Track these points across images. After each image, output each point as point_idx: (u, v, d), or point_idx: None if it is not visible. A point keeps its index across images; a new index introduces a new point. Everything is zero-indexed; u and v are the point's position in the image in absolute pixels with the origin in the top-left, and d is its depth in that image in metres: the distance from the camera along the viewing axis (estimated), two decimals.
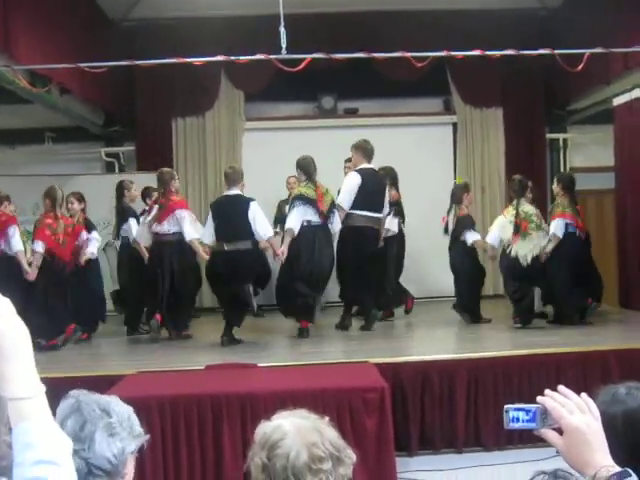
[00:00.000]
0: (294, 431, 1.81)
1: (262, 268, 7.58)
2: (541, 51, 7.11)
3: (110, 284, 9.19)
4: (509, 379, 6.06)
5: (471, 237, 8.18)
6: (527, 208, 7.80)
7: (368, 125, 10.85)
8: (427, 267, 9.86)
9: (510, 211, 7.87)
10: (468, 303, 8.24)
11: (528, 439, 5.99)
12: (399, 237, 8.73)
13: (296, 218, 7.57)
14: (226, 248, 7.32)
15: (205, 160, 11.06)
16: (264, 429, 1.82)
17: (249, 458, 1.79)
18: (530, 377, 6.06)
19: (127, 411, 2.04)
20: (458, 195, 8.52)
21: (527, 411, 1.51)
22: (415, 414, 5.94)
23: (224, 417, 5.13)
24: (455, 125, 11.27)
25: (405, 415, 5.87)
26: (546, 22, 10.59)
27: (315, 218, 7.61)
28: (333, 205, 7.75)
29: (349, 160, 8.59)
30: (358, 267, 7.78)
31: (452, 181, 10.93)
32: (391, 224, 8.44)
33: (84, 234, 8.12)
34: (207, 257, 7.56)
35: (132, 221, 8.43)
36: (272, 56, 6.77)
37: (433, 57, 7.05)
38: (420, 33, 9.80)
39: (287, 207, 8.09)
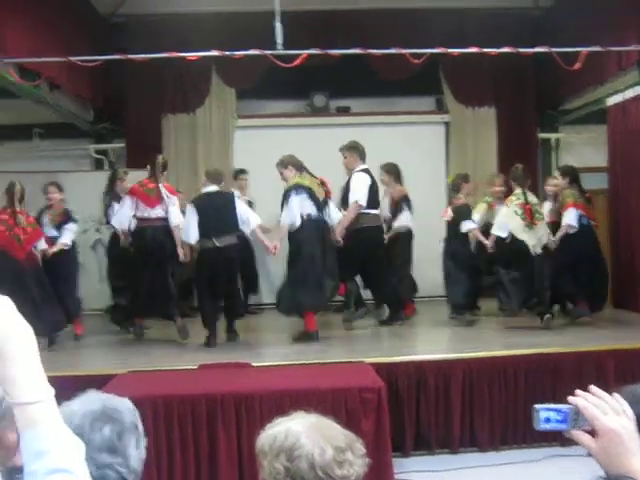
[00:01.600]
0: (307, 430, 1.75)
1: (249, 262, 7.59)
2: (538, 49, 7.08)
3: (98, 283, 9.09)
4: (505, 379, 6.04)
5: (466, 226, 8.12)
6: (531, 197, 7.74)
7: (360, 123, 10.80)
8: (420, 266, 9.79)
9: (514, 200, 7.69)
10: (461, 295, 8.19)
11: (522, 439, 6.00)
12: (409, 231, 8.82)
13: (293, 211, 7.31)
14: (218, 244, 7.21)
15: (196, 157, 10.96)
16: (273, 435, 1.75)
17: (264, 468, 1.71)
18: (526, 377, 6.05)
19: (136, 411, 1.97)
20: (457, 183, 8.55)
21: (558, 411, 1.44)
22: (410, 414, 5.91)
23: (219, 417, 5.05)
24: (447, 124, 11.23)
25: (400, 415, 5.83)
26: (539, 22, 10.58)
27: (314, 211, 7.41)
28: (328, 197, 7.72)
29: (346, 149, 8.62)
30: (376, 265, 7.97)
31: (444, 180, 10.95)
32: (406, 219, 8.66)
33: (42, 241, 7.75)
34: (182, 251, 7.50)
35: (117, 206, 8.28)
36: (268, 51, 6.70)
37: (429, 54, 6.99)
38: (414, 31, 9.74)
39: None
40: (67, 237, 8.01)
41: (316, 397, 5.10)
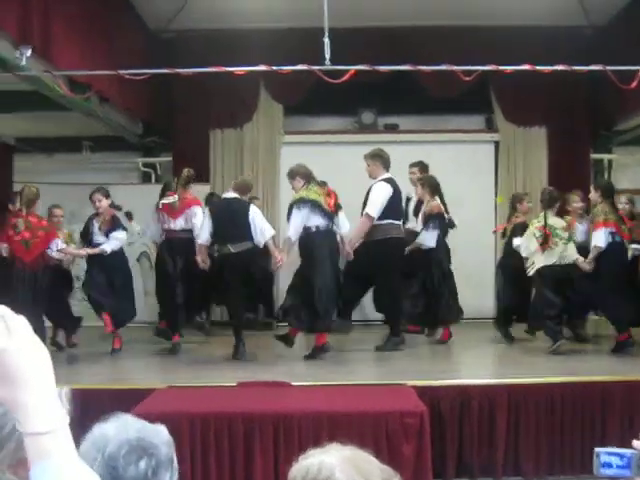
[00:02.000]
0: (342, 463, 1.64)
1: (263, 271, 7.72)
2: (593, 67, 6.88)
3: (141, 296, 9.10)
4: (551, 407, 5.81)
5: (515, 242, 7.98)
6: (552, 220, 7.60)
7: (408, 141, 10.69)
8: (467, 286, 9.61)
9: (534, 223, 7.69)
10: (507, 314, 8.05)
11: (570, 470, 5.77)
12: (444, 250, 8.37)
13: (296, 225, 7.30)
14: (232, 250, 7.30)
15: (242, 173, 10.93)
16: (306, 468, 1.63)
17: None
18: (574, 406, 5.82)
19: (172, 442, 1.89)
20: (513, 203, 8.61)
21: (621, 456, 1.31)
22: (452, 440, 5.72)
23: (256, 437, 4.95)
24: (497, 144, 11.05)
25: (442, 441, 5.65)
26: (593, 40, 10.35)
27: (322, 221, 7.34)
28: (339, 208, 7.68)
29: (415, 165, 8.53)
30: (395, 278, 7.77)
31: (493, 200, 10.76)
32: (427, 238, 8.18)
33: (58, 241, 7.76)
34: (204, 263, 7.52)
35: None
36: (315, 67, 6.64)
37: (479, 72, 6.85)
38: (464, 50, 9.60)
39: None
40: (110, 244, 7.92)
41: (356, 420, 4.98)
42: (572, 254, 7.51)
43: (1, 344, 1.11)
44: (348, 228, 7.71)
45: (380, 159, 7.89)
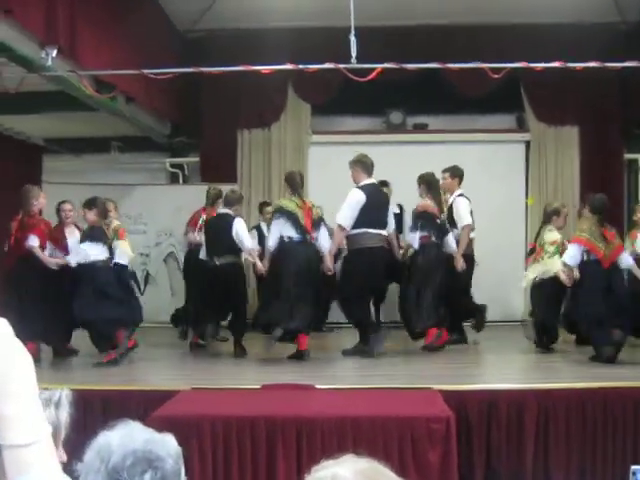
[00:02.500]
0: (355, 476, 1.55)
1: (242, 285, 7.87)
2: (626, 64, 6.71)
3: (167, 296, 9.09)
4: (582, 413, 5.64)
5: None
6: (547, 235, 7.60)
7: (437, 141, 10.59)
8: (495, 289, 9.46)
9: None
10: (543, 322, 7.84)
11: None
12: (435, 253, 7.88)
13: (273, 234, 7.43)
14: (217, 263, 7.65)
15: (270, 173, 10.91)
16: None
17: None
18: (605, 412, 5.64)
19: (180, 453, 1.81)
20: (547, 216, 8.09)
21: None
22: (480, 446, 5.58)
23: (279, 441, 4.86)
24: (528, 143, 10.87)
25: (469, 447, 5.51)
26: (627, 37, 10.12)
27: (295, 234, 7.32)
28: (320, 221, 7.47)
29: (446, 170, 8.32)
30: (370, 288, 7.61)
31: (523, 201, 10.59)
32: (412, 239, 7.86)
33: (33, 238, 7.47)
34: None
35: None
36: (341, 65, 6.56)
37: (509, 69, 6.71)
38: (494, 48, 9.44)
39: None
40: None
41: (380, 425, 4.87)
42: (552, 268, 7.40)
43: None
44: (328, 245, 7.47)
45: (360, 164, 7.66)
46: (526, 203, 10.56)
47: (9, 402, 1.05)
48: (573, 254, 7.21)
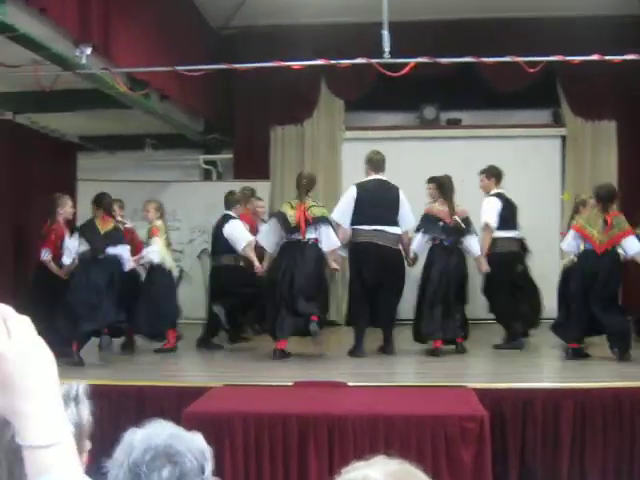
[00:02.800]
0: (386, 479, 1.52)
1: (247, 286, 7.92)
2: None
3: (201, 293, 9.12)
4: (619, 412, 5.54)
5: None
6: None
7: (471, 137, 10.49)
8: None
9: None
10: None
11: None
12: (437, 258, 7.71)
13: (265, 235, 7.70)
14: (213, 263, 8.26)
15: (303, 169, 10.86)
16: None
17: None
18: None
19: (207, 451, 1.79)
20: (575, 207, 8.20)
21: None
22: (515, 445, 5.51)
23: (310, 438, 4.84)
24: (564, 138, 10.70)
25: (504, 447, 5.44)
26: None
27: (285, 234, 7.39)
28: (320, 220, 7.34)
29: (484, 172, 8.20)
30: (360, 286, 7.43)
31: (559, 197, 10.43)
32: (415, 242, 7.66)
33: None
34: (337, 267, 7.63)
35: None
36: (374, 60, 6.51)
37: (545, 63, 6.59)
38: (528, 42, 9.29)
39: None
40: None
41: (413, 423, 4.82)
42: None
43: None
44: (334, 243, 7.38)
45: (367, 161, 7.65)
46: (562, 199, 10.40)
47: (28, 400, 1.03)
48: (569, 241, 7.32)
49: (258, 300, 8.00)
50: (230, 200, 8.20)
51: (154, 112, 8.84)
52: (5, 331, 1.03)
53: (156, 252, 7.85)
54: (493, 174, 8.20)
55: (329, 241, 7.31)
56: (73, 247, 7.44)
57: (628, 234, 7.13)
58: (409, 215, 7.56)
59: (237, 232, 7.87)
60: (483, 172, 8.25)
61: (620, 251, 7.20)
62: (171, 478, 1.66)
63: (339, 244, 7.37)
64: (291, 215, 7.34)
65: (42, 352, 1.06)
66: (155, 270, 7.94)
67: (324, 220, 7.36)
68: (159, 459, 1.68)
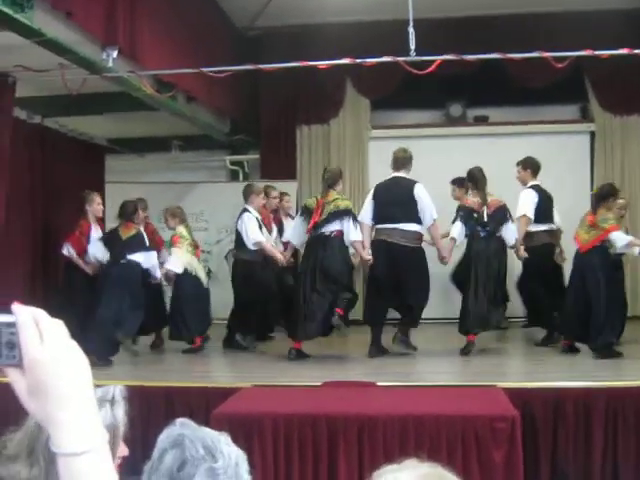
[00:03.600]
0: None
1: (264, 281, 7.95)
2: None
3: (231, 294, 9.14)
4: None
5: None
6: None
7: (498, 134, 10.42)
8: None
9: None
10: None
11: None
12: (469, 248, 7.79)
13: (292, 231, 7.90)
14: (234, 257, 8.27)
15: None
16: None
17: None
18: None
19: (236, 456, 1.76)
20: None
21: None
22: (546, 446, 5.45)
23: (340, 439, 4.83)
24: (593, 134, 10.58)
25: (535, 447, 5.39)
26: None
27: (311, 230, 7.47)
28: (344, 213, 7.37)
29: (520, 163, 8.20)
30: (374, 284, 7.55)
31: (589, 193, 10.29)
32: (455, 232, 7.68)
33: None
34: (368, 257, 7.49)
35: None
36: (400, 58, 6.47)
37: (573, 58, 6.51)
38: (555, 37, 9.18)
39: None
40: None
41: (443, 423, 4.78)
42: None
43: (32, 354, 1.01)
44: (355, 236, 7.37)
45: (392, 159, 7.68)
46: (592, 195, 10.26)
47: (61, 407, 1.01)
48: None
49: (277, 296, 8.07)
50: (245, 192, 8.22)
51: (181, 114, 8.88)
52: (37, 335, 1.02)
53: (175, 263, 8.00)
54: (529, 166, 8.14)
55: (349, 234, 7.34)
56: (93, 253, 7.64)
57: (610, 231, 7.17)
58: (427, 210, 7.44)
59: (246, 229, 7.88)
60: (519, 163, 8.19)
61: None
62: (174, 463, 1.65)
63: (359, 238, 7.36)
64: (310, 207, 7.53)
65: (76, 356, 1.05)
66: (181, 277, 8.03)
67: (347, 213, 7.39)
68: (168, 447, 1.69)
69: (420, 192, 7.42)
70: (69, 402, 1.02)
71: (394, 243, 7.33)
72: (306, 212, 7.60)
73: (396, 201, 7.39)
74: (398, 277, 7.33)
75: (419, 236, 7.48)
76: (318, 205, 7.43)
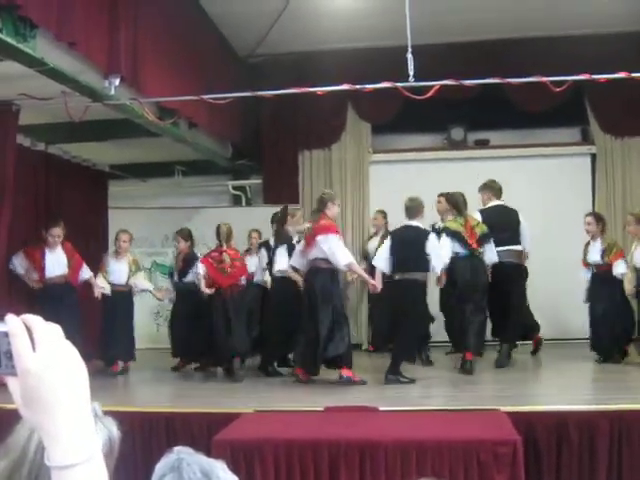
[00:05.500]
0: None
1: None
2: None
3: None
4: None
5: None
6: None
7: (500, 157, 10.46)
8: (560, 305, 9.24)
9: None
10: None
11: None
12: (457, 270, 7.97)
13: (294, 256, 7.93)
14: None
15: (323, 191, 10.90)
16: None
17: None
18: None
19: (219, 469, 1.77)
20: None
21: None
22: (549, 471, 5.41)
23: (342, 465, 4.80)
24: (594, 156, 10.61)
25: (538, 472, 5.35)
26: None
27: (462, 250, 7.73)
28: (486, 237, 7.76)
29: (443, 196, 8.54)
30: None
31: None
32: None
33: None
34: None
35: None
36: (399, 84, 6.52)
37: (571, 82, 6.54)
38: (554, 61, 9.23)
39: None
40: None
41: (445, 449, 4.76)
42: None
43: (23, 363, 0.98)
44: (337, 260, 7.40)
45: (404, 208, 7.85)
46: None
47: (56, 418, 0.98)
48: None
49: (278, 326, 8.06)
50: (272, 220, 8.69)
51: (183, 140, 8.93)
52: (29, 345, 0.99)
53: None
54: (451, 201, 8.26)
55: (335, 257, 7.36)
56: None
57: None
58: (433, 253, 7.55)
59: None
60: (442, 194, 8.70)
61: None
62: None
63: (346, 261, 7.40)
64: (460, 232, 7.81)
65: (71, 362, 1.02)
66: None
67: (487, 236, 7.82)
68: (165, 470, 1.69)
69: (431, 240, 7.60)
70: (62, 413, 0.99)
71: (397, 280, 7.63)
72: (449, 233, 7.88)
73: (409, 249, 7.52)
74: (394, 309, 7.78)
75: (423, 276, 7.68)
76: (470, 227, 7.84)
